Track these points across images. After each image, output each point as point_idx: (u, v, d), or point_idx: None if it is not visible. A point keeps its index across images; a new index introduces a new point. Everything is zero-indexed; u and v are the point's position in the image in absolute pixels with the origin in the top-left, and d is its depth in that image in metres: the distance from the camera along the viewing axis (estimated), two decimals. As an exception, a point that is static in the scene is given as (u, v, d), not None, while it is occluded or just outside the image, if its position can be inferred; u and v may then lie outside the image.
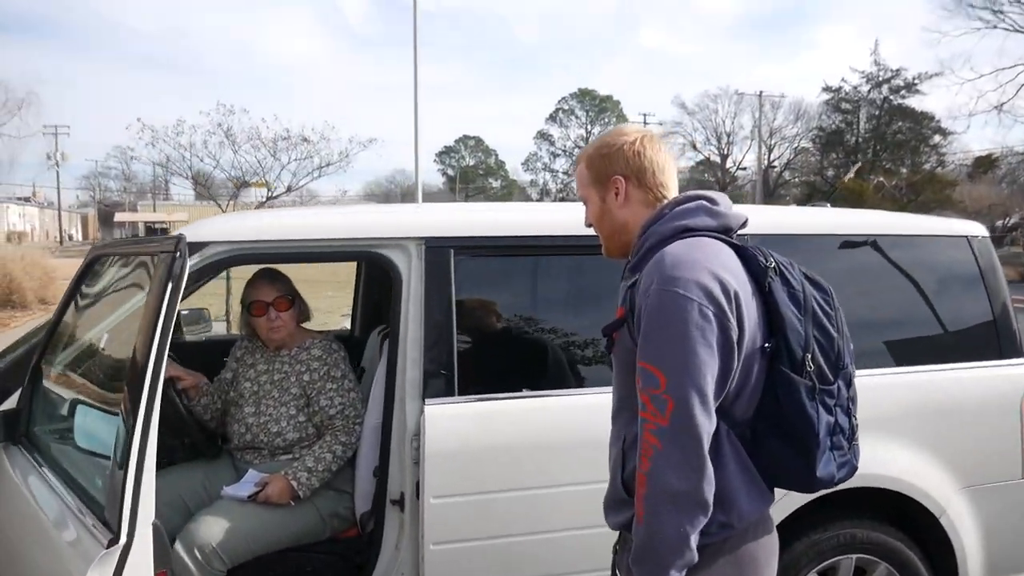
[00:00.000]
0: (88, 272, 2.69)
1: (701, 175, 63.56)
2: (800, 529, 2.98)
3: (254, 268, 3.22)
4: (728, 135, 61.07)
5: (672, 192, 1.87)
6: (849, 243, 3.30)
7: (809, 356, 1.71)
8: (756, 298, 1.71)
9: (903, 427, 3.09)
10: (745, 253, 1.76)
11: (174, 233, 1.95)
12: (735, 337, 1.64)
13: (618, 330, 1.77)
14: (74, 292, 2.71)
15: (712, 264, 1.66)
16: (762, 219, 3.25)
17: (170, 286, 1.72)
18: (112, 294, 2.44)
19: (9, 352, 2.89)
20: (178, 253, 1.79)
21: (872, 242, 3.31)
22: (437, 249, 2.82)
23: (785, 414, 1.70)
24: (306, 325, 3.34)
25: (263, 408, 3.11)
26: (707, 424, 1.58)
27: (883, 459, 3.04)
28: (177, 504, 3.01)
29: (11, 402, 2.60)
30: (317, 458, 2.97)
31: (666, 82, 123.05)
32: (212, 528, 2.76)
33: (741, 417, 1.73)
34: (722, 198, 1.86)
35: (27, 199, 71.49)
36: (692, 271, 1.62)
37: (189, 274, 2.62)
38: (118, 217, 61.88)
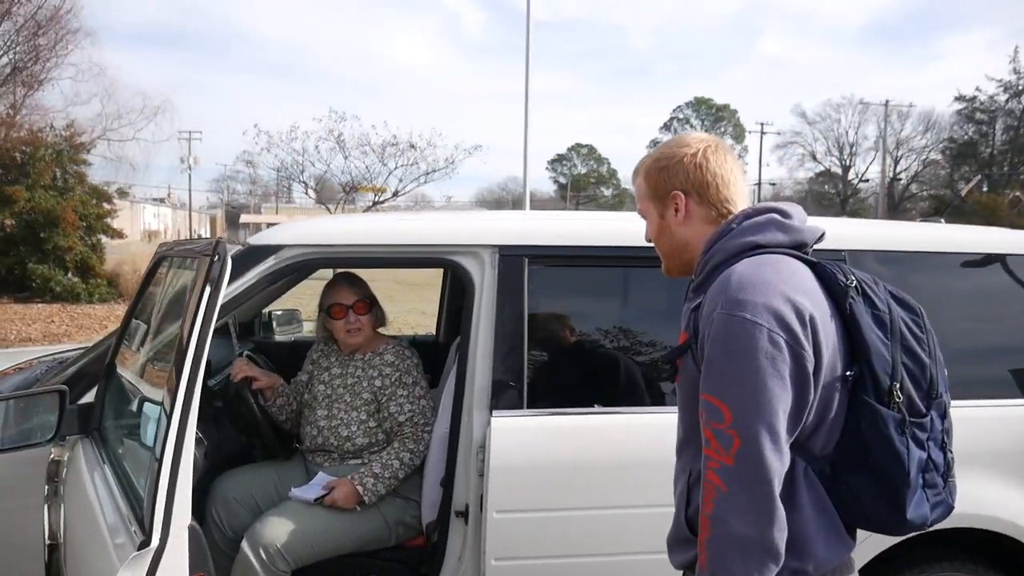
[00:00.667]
0: (155, 272, 2.75)
1: (821, 187, 61.59)
2: (891, 570, 2.75)
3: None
4: (851, 146, 59.02)
5: (740, 206, 1.73)
6: (971, 262, 3.04)
7: (897, 385, 1.55)
8: (835, 321, 1.57)
9: (1021, 464, 2.82)
10: (822, 271, 1.61)
11: (215, 238, 1.95)
12: (811, 367, 1.50)
13: (682, 357, 1.65)
14: (143, 291, 2.78)
15: (784, 285, 1.52)
16: (869, 234, 3.06)
17: (208, 289, 1.72)
18: (173, 294, 2.49)
19: (97, 347, 2.99)
20: (216, 256, 1.79)
21: (999, 261, 3.05)
22: (511, 258, 2.76)
23: (870, 449, 1.55)
24: (400, 329, 3.34)
25: (334, 412, 3.13)
26: (777, 464, 1.45)
27: (992, 499, 2.78)
28: (249, 503, 3.06)
29: (90, 397, 2.69)
30: (384, 464, 2.95)
31: (786, 91, 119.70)
32: (277, 529, 2.78)
33: (820, 452, 1.58)
34: (795, 210, 1.71)
35: (162, 200, 75.70)
36: (761, 293, 1.49)
37: (265, 276, 2.67)
38: (243, 219, 64.64)
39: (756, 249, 1.61)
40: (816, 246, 1.72)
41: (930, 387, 1.60)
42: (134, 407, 2.42)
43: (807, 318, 1.50)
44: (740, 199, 1.73)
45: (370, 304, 3.21)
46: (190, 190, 63.85)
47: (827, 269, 1.61)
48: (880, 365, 1.55)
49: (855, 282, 1.59)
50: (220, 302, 1.74)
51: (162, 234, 62.08)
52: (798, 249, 1.65)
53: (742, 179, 1.76)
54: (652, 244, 1.84)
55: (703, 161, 1.71)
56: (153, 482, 1.67)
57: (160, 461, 1.69)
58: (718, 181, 1.71)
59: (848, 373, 1.56)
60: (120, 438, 2.48)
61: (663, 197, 1.75)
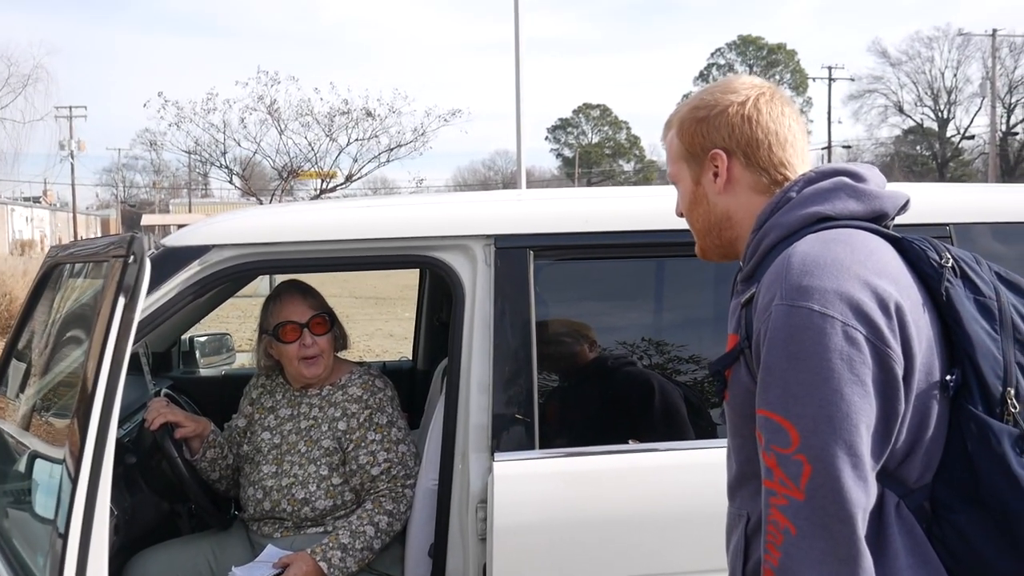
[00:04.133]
0: (45, 285, 2.78)
1: (911, 147, 61.86)
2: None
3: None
4: (949, 92, 59.34)
5: (798, 173, 1.76)
6: None
7: (1012, 391, 1.58)
8: (928, 311, 1.60)
9: None
10: (909, 248, 1.65)
11: (127, 234, 1.98)
12: (900, 370, 1.53)
13: (732, 366, 1.69)
14: (29, 313, 2.80)
15: (861, 266, 1.56)
16: (984, 201, 3.09)
17: (121, 301, 1.74)
18: (71, 315, 2.51)
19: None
20: (131, 258, 1.82)
21: None
22: (511, 251, 2.79)
23: (981, 476, 1.58)
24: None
25: (286, 467, 3.14)
26: (862, 497, 1.49)
27: None
28: (175, 590, 3.06)
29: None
30: (354, 532, 2.97)
31: (860, 23, 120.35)
32: None
33: (916, 483, 1.62)
34: (870, 172, 1.75)
35: (36, 199, 75.73)
36: (832, 277, 1.53)
37: (188, 287, 2.69)
38: (146, 220, 64.61)
39: (823, 222, 1.66)
40: (906, 219, 1.76)
41: None
42: (21, 467, 2.44)
43: (892, 307, 1.53)
44: (800, 163, 1.78)
45: (330, 320, 3.23)
46: (73, 184, 63.85)
47: (915, 245, 1.65)
48: (989, 365, 1.58)
49: (951, 261, 1.63)
50: (137, 319, 1.76)
51: (38, 244, 61.96)
52: (876, 221, 1.69)
53: (804, 138, 1.80)
54: (683, 219, 1.89)
55: (753, 112, 1.75)
56: (57, 563, 1.69)
57: (65, 537, 1.71)
58: (771, 139, 1.75)
59: (948, 377, 1.59)
60: (4, 508, 2.50)
61: (699, 157, 1.80)
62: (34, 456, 2.36)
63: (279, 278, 3.52)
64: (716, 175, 1.78)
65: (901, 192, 1.74)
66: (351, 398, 3.16)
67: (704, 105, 1.79)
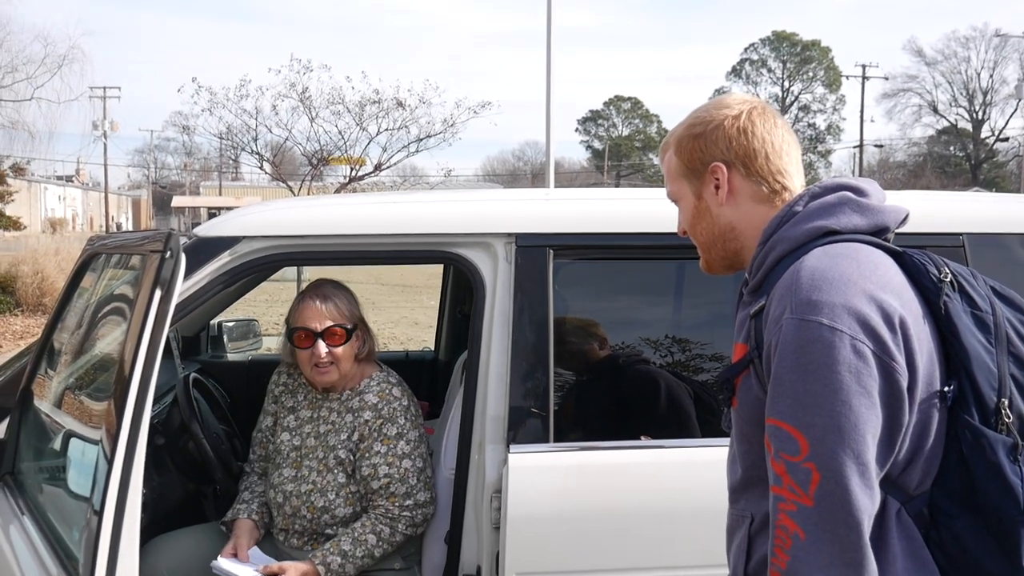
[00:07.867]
0: (84, 273, 2.88)
1: (944, 148, 61.25)
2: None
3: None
4: (984, 93, 58.71)
5: (795, 182, 1.83)
6: None
7: (1006, 401, 1.63)
8: (928, 324, 1.66)
9: None
10: (910, 262, 1.70)
11: (165, 230, 2.07)
12: (904, 382, 1.58)
13: (741, 375, 1.75)
14: (68, 298, 2.90)
15: (867, 281, 1.61)
16: (1001, 211, 3.13)
17: (158, 294, 1.83)
18: (111, 300, 2.60)
19: (4, 371, 3.11)
20: (168, 253, 1.91)
21: None
22: (532, 249, 2.86)
23: (976, 484, 1.63)
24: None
25: (304, 472, 3.15)
26: (868, 503, 1.54)
27: None
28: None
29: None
30: (356, 540, 2.98)
31: (896, 22, 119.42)
32: None
33: (916, 490, 1.67)
34: (871, 186, 1.81)
35: (69, 178, 76.19)
36: (840, 292, 1.58)
37: (219, 276, 2.77)
38: (176, 202, 65.04)
39: (828, 236, 1.71)
40: (921, 228, 1.80)
41: None
42: (56, 445, 2.54)
43: (896, 321, 1.59)
44: (795, 172, 1.84)
45: (349, 330, 3.14)
46: (106, 164, 64.29)
47: (915, 259, 1.70)
48: (984, 377, 1.63)
49: (950, 276, 1.68)
50: (172, 311, 1.85)
51: (70, 223, 62.32)
52: (877, 235, 1.75)
53: (797, 150, 1.87)
54: (686, 236, 1.94)
55: (748, 125, 1.81)
56: (92, 540, 1.79)
57: (100, 515, 1.80)
58: (767, 149, 1.81)
59: (946, 388, 1.64)
60: (39, 484, 2.60)
61: (699, 172, 1.86)
62: (69, 435, 2.46)
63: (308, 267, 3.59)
64: (717, 187, 1.83)
65: (902, 207, 1.80)
66: (367, 405, 3.12)
67: (700, 122, 1.85)
